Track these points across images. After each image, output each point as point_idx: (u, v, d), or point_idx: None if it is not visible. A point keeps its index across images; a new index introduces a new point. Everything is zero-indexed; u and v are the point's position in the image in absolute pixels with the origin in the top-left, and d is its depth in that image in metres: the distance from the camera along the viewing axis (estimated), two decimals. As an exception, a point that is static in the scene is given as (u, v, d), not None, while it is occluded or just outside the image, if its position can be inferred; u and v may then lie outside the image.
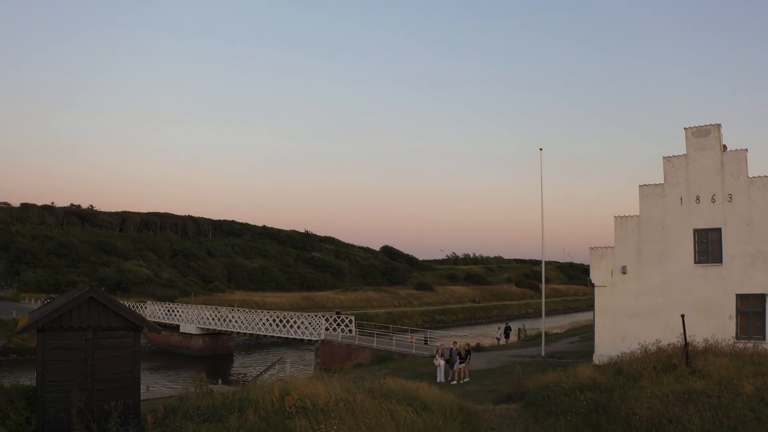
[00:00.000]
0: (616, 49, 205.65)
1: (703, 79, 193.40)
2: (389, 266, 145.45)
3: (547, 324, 44.96)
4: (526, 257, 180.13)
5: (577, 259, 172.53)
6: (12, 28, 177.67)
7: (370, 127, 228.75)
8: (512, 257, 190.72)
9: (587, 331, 51.80)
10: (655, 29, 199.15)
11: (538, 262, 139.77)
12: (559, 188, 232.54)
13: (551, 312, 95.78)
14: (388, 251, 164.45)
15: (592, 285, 33.20)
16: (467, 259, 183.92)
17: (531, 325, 67.58)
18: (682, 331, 20.70)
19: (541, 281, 45.34)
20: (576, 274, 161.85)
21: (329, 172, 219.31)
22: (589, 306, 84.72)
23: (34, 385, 13.93)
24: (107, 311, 13.29)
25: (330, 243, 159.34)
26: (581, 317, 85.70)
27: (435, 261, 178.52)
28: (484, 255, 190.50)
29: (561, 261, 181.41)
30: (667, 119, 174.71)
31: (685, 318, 21.10)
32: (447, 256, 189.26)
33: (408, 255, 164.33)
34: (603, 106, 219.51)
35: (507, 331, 53.03)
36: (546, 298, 44.06)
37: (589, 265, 34.34)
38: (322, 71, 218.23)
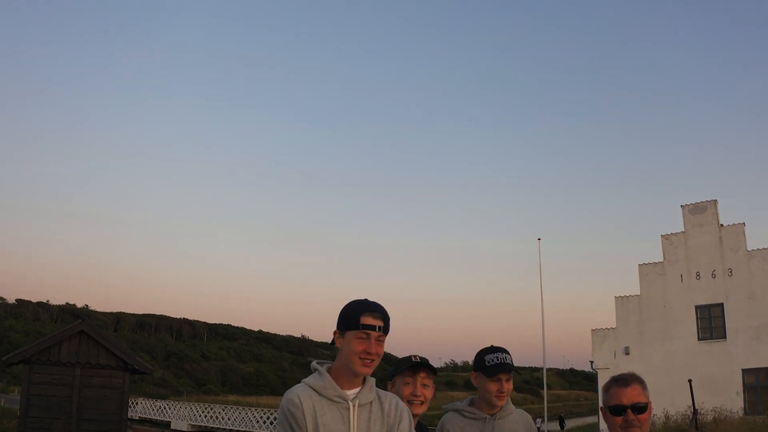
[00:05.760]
0: (605, 125, 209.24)
1: (698, 155, 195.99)
2: (386, 372, 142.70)
3: (549, 428, 43.88)
4: (526, 365, 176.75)
5: (578, 366, 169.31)
6: (8, 131, 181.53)
7: (366, 231, 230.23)
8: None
9: (591, 430, 50.62)
10: (648, 105, 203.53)
11: (537, 369, 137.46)
12: (558, 290, 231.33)
13: (553, 417, 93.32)
14: (386, 358, 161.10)
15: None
16: (466, 366, 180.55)
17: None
18: (690, 398, 20.07)
19: (541, 387, 44.61)
20: (576, 380, 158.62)
21: (326, 278, 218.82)
22: (591, 411, 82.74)
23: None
24: (98, 347, 12.87)
25: (327, 348, 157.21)
26: (585, 421, 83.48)
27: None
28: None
29: (561, 367, 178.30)
30: (663, 197, 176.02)
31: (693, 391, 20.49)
32: (446, 363, 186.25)
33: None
34: (597, 189, 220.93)
35: (561, 422, 53.93)
36: (547, 403, 43.13)
37: (590, 372, 33.85)
38: (315, 174, 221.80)
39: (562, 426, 51.76)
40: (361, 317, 2.74)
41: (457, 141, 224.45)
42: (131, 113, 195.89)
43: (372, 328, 2.75)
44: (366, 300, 2.84)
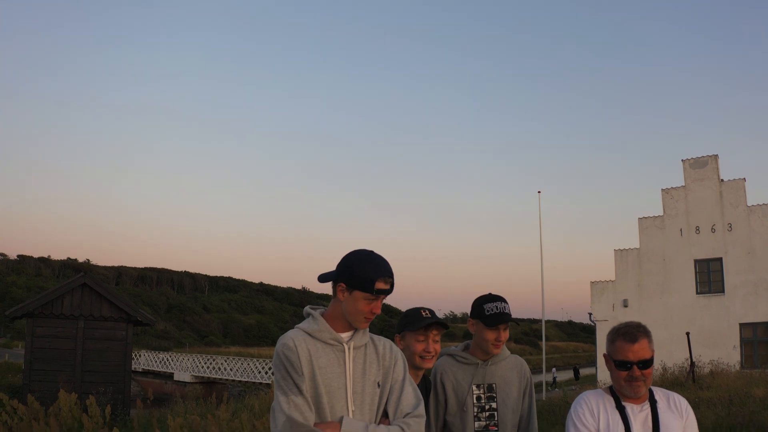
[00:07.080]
0: (607, 79, 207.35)
1: (699, 110, 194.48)
2: (386, 323, 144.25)
3: (547, 378, 44.38)
4: (525, 316, 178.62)
5: (576, 318, 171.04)
6: (5, 79, 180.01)
7: (367, 184, 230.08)
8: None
9: (588, 381, 51.28)
10: (650, 62, 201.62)
11: (536, 321, 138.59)
12: (558, 242, 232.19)
13: (551, 368, 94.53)
14: (386, 309, 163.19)
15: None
16: (465, 318, 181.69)
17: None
18: (688, 351, 20.27)
19: (540, 339, 44.94)
20: (575, 332, 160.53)
21: (327, 230, 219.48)
22: (589, 362, 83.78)
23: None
24: (101, 299, 12.93)
25: (327, 300, 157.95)
26: (582, 372, 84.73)
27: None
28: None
29: (560, 320, 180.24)
30: (664, 151, 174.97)
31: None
32: (445, 315, 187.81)
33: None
34: (598, 143, 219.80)
35: (576, 372, 54.68)
36: (546, 354, 43.55)
37: (589, 324, 34.06)
38: (317, 129, 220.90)
39: (576, 376, 52.50)
40: (377, 282, 2.72)
41: (457, 94, 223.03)
42: (132, 62, 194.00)
43: (384, 292, 2.75)
44: (378, 261, 2.78)
